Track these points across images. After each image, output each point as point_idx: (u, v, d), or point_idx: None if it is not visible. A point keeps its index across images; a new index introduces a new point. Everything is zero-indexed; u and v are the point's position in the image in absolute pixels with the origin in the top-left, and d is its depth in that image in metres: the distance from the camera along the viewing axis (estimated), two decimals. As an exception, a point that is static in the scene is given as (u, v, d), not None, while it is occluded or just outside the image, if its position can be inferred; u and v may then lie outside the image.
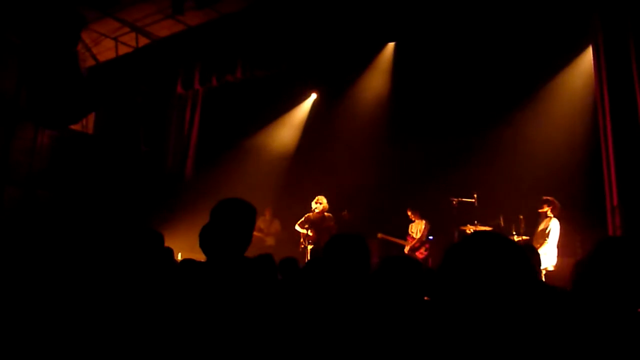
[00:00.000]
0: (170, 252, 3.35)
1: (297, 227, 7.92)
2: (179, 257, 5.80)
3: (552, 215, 6.28)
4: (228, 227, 1.99)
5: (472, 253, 1.31)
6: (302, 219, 7.88)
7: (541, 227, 6.32)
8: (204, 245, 2.00)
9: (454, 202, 7.37)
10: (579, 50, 7.32)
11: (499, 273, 1.23)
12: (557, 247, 6.16)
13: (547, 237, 6.13)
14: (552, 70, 7.72)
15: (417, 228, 8.01)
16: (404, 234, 8.17)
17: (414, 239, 7.97)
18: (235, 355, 1.71)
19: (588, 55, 6.73)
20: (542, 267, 5.71)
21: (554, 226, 6.19)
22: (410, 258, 2.93)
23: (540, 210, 6.39)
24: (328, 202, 7.83)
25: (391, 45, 8.93)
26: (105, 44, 9.63)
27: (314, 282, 2.04)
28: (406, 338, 1.69)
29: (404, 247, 8.06)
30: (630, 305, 1.72)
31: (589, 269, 1.88)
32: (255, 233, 8.86)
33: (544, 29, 6.92)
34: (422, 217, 8.00)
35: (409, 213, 8.04)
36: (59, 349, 1.98)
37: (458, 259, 1.33)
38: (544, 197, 6.40)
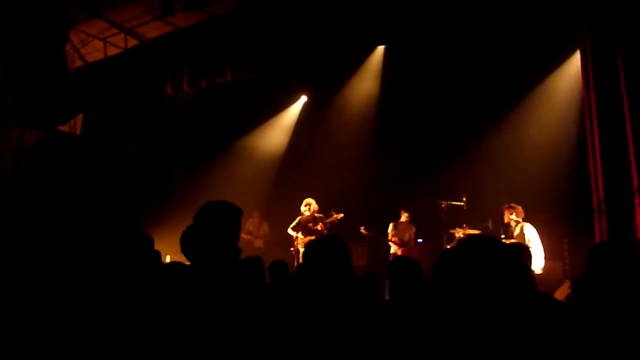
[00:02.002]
0: (157, 255, 3.32)
1: (289, 231, 7.90)
2: (167, 259, 5.76)
3: (519, 220, 6.29)
4: (211, 231, 1.97)
5: (466, 258, 1.27)
6: (295, 222, 7.86)
7: (516, 233, 6.30)
8: (185, 250, 1.98)
9: (443, 206, 7.39)
10: (566, 56, 7.39)
11: (495, 279, 1.20)
12: (543, 248, 6.16)
13: (529, 242, 6.10)
14: (540, 75, 7.79)
15: (407, 231, 7.93)
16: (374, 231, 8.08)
17: (404, 242, 7.86)
18: (221, 356, 1.70)
19: (576, 60, 6.80)
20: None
21: (528, 230, 6.17)
22: (412, 260, 2.93)
23: (506, 221, 6.39)
24: (317, 204, 7.82)
25: (381, 48, 8.96)
26: (94, 45, 9.55)
27: (300, 286, 2.02)
28: (394, 342, 1.69)
29: (388, 249, 7.97)
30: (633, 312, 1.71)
31: (586, 280, 1.88)
32: (244, 235, 8.86)
33: (532, 35, 6.99)
34: (411, 222, 7.95)
35: (403, 214, 7.92)
36: (44, 351, 1.95)
37: (452, 264, 1.28)
38: (504, 206, 6.42)
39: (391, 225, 7.99)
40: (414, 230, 7.94)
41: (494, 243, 1.30)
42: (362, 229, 7.98)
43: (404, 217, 7.97)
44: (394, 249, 7.87)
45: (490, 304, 1.16)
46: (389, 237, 7.93)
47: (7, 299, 2.21)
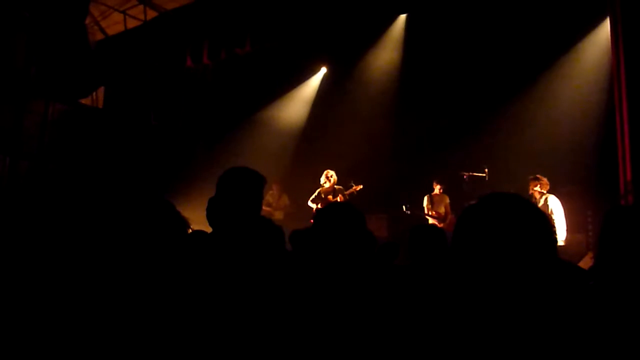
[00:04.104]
0: (184, 223, 3.33)
1: (309, 203, 7.90)
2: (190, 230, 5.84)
3: (544, 192, 6.20)
4: (234, 196, 1.97)
5: (489, 215, 1.20)
6: (315, 194, 7.86)
7: (540, 205, 6.18)
8: (210, 216, 1.99)
9: (465, 177, 7.30)
10: (595, 23, 7.14)
11: (518, 239, 1.14)
12: (567, 221, 6.09)
13: (552, 214, 6.03)
14: (568, 43, 7.55)
15: (443, 202, 7.66)
16: (415, 208, 7.94)
17: (440, 214, 7.61)
18: (240, 324, 1.72)
19: (605, 28, 6.56)
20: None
21: (552, 202, 6.09)
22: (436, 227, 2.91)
23: (530, 192, 6.27)
24: (338, 176, 7.79)
25: (402, 17, 8.78)
26: (114, 18, 9.57)
27: (317, 252, 2.02)
28: (412, 308, 1.69)
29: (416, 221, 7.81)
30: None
31: (600, 240, 1.86)
32: (264, 207, 8.88)
33: (561, 1, 6.76)
34: (445, 192, 7.67)
35: (436, 185, 7.64)
36: (67, 313, 2.00)
37: (473, 222, 1.21)
38: (530, 177, 6.31)
39: (426, 198, 7.74)
40: (447, 201, 7.65)
41: (519, 201, 1.21)
42: (404, 209, 7.79)
43: (437, 189, 7.69)
44: (431, 222, 7.54)
45: (512, 269, 1.12)
46: (426, 211, 7.69)
47: (30, 272, 2.27)
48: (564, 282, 1.22)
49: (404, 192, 8.22)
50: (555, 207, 6.06)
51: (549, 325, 1.12)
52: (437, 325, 1.25)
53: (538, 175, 6.26)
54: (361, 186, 7.71)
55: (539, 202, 6.19)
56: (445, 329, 1.21)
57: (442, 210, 7.64)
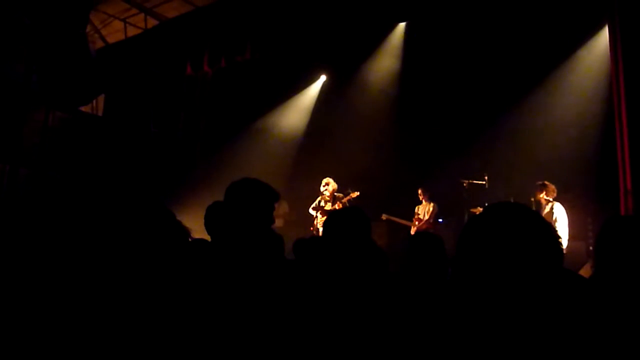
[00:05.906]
0: (184, 232, 3.32)
1: (310, 211, 7.89)
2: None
3: (550, 199, 6.19)
4: (244, 208, 1.94)
5: (494, 226, 1.19)
6: (316, 202, 7.85)
7: (545, 212, 6.21)
8: (208, 224, 1.98)
9: (464, 184, 7.31)
10: (594, 30, 7.16)
11: (524, 249, 1.13)
12: (569, 229, 6.08)
13: (556, 222, 6.02)
14: (567, 51, 7.57)
15: (425, 210, 7.81)
16: (412, 216, 8.02)
17: (420, 220, 7.83)
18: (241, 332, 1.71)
19: (604, 36, 6.59)
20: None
21: (557, 210, 6.08)
22: (433, 235, 2.92)
23: (536, 198, 6.27)
24: (339, 183, 7.78)
25: (402, 25, 8.81)
26: (114, 26, 9.60)
27: (319, 259, 2.02)
28: (413, 318, 1.68)
29: (409, 228, 7.93)
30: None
31: (597, 250, 1.86)
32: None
33: (560, 8, 6.78)
34: (430, 200, 7.83)
35: (420, 193, 7.80)
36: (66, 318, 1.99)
37: (479, 232, 1.20)
38: (537, 183, 6.31)
39: (416, 208, 7.91)
40: (431, 209, 7.73)
41: (525, 211, 1.20)
42: (383, 216, 7.94)
43: (422, 197, 7.83)
44: (413, 230, 7.77)
45: (518, 279, 1.11)
46: (414, 220, 7.87)
47: (30, 274, 2.26)
48: (568, 291, 1.21)
49: (404, 200, 8.22)
50: (560, 215, 6.05)
51: (552, 333, 1.11)
52: (441, 333, 1.24)
53: (545, 182, 6.25)
54: (357, 193, 7.69)
55: (545, 209, 6.19)
56: (450, 337, 1.20)
57: (423, 217, 7.75)
